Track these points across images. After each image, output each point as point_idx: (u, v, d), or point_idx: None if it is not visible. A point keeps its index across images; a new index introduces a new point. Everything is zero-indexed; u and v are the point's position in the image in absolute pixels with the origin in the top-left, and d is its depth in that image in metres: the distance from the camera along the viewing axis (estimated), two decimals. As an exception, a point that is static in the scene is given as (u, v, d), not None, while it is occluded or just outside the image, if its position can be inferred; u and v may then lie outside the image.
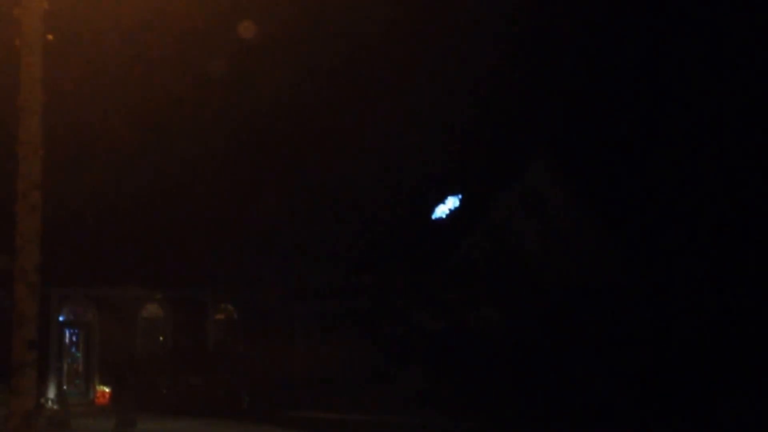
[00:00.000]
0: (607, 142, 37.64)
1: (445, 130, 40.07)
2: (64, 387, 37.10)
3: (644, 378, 29.58)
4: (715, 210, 31.86)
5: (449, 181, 38.53)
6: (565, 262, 33.21)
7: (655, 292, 31.55)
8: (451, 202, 37.23)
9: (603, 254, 35.27)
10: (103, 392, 37.32)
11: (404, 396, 33.00)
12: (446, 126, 40.07)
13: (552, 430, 29.57)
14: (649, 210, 33.76)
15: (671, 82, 37.28)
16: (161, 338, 39.66)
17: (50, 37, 11.94)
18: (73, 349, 38.34)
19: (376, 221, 38.85)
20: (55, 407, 34.30)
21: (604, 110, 38.57)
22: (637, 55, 38.68)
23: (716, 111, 35.17)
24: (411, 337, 33.93)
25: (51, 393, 35.92)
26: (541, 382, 31.31)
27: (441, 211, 37.38)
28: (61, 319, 37.91)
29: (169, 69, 39.55)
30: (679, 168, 34.60)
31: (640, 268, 33.22)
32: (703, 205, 32.15)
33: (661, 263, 31.65)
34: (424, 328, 33.82)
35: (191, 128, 41.88)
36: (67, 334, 38.29)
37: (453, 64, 42.18)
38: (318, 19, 40.44)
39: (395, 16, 40.06)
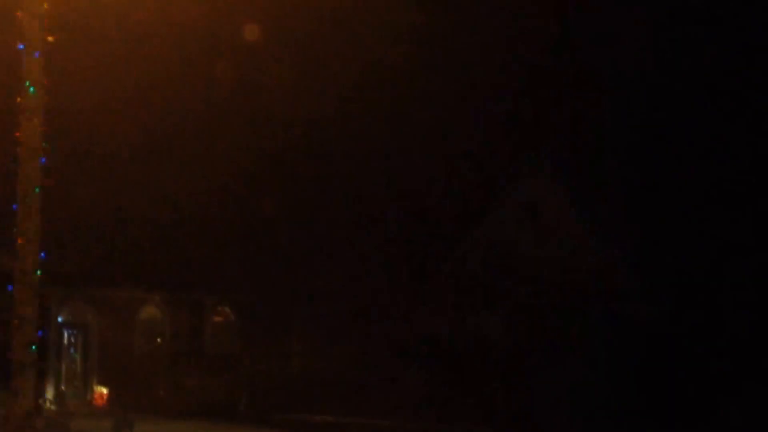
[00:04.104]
0: (604, 148, 37.69)
1: (443, 134, 40.12)
2: (63, 388, 37.08)
3: (642, 379, 29.64)
4: (714, 212, 31.93)
5: (448, 186, 38.58)
6: (561, 266, 33.30)
7: (653, 296, 31.64)
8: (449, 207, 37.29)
9: (600, 258, 35.33)
10: (101, 393, 37.31)
11: (403, 399, 33.03)
12: (445, 130, 40.12)
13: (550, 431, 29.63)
14: (646, 214, 33.84)
15: (669, 84, 37.34)
16: (159, 340, 39.65)
17: (51, 38, 11.97)
18: (72, 350, 38.33)
19: (375, 224, 38.88)
20: (54, 408, 34.30)
21: (602, 115, 38.62)
22: (636, 58, 38.74)
23: (715, 113, 35.23)
24: (410, 340, 33.99)
25: (50, 394, 35.91)
26: (540, 384, 31.37)
27: (439, 214, 37.44)
28: (60, 319, 37.90)
29: (172, 72, 39.58)
30: (677, 171, 34.66)
31: (638, 271, 33.31)
32: (701, 208, 32.22)
33: (659, 266, 31.72)
34: (424, 331, 33.88)
35: (193, 130, 41.90)
36: (66, 335, 38.27)
37: (453, 67, 42.25)
38: (320, 23, 40.51)
39: (396, 20, 40.11)
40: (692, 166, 34.94)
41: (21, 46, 11.81)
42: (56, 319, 37.59)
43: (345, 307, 37.50)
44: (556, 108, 39.53)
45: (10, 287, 11.73)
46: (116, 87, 39.11)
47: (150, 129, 40.61)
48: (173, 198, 40.67)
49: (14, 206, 11.68)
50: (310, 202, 41.60)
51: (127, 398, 36.19)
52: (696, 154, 35.07)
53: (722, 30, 36.79)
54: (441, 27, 41.83)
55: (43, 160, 11.77)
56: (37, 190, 11.63)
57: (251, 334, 40.16)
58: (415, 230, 37.66)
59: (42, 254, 11.67)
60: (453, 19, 41.76)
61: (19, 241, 11.56)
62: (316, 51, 41.59)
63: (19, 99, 11.78)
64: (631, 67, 38.61)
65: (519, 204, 36.39)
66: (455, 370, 33.03)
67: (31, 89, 11.70)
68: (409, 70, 41.59)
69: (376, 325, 36.03)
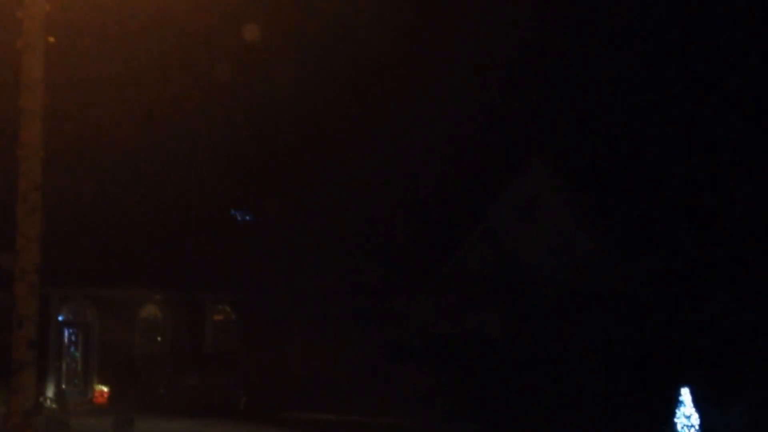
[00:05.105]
0: (603, 146, 37.73)
1: (443, 133, 40.19)
2: (63, 386, 37.16)
3: (640, 379, 29.70)
4: (713, 212, 31.97)
5: (447, 185, 38.65)
6: (561, 265, 33.34)
7: (651, 295, 31.67)
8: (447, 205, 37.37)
9: (599, 257, 35.39)
10: (102, 392, 37.39)
11: (402, 397, 33.11)
12: (444, 129, 40.19)
13: (549, 430, 29.69)
14: (644, 213, 33.87)
15: (668, 83, 37.38)
16: (159, 338, 39.73)
17: (52, 39, 12.01)
18: (72, 349, 38.42)
19: (374, 223, 38.94)
20: (54, 406, 34.38)
21: (601, 113, 38.68)
22: (635, 56, 38.78)
23: (715, 112, 35.27)
24: (409, 339, 34.05)
25: (50, 392, 36.00)
26: (539, 383, 31.43)
27: (439, 213, 37.51)
28: (60, 318, 37.98)
29: (172, 71, 39.66)
30: (676, 170, 34.69)
31: (636, 270, 33.34)
32: (700, 208, 32.25)
33: (657, 265, 31.75)
34: (423, 330, 33.93)
35: (193, 130, 41.99)
36: (66, 334, 38.36)
37: (453, 67, 42.31)
38: (320, 22, 40.57)
39: (396, 19, 40.18)
40: (693, 163, 34.99)
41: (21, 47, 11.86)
42: (57, 318, 37.68)
43: (345, 305, 37.57)
44: (556, 105, 39.60)
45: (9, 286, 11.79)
46: (116, 86, 39.19)
47: (150, 128, 40.70)
48: (174, 197, 40.77)
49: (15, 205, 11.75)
50: (310, 202, 41.68)
51: (127, 397, 36.29)
52: (697, 151, 35.12)
53: (724, 28, 36.85)
54: (441, 24, 41.90)
55: (44, 159, 11.82)
56: (37, 190, 11.68)
57: (251, 332, 40.24)
58: (415, 229, 37.73)
59: (42, 254, 11.73)
60: (454, 16, 41.83)
61: (20, 240, 11.61)
62: (315, 48, 41.67)
63: (19, 99, 11.82)
64: (632, 63, 38.68)
65: (519, 202, 36.44)
66: (455, 369, 33.09)
67: (32, 90, 11.75)
68: (409, 68, 41.66)
69: (375, 324, 36.09)
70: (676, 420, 26.57)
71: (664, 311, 30.70)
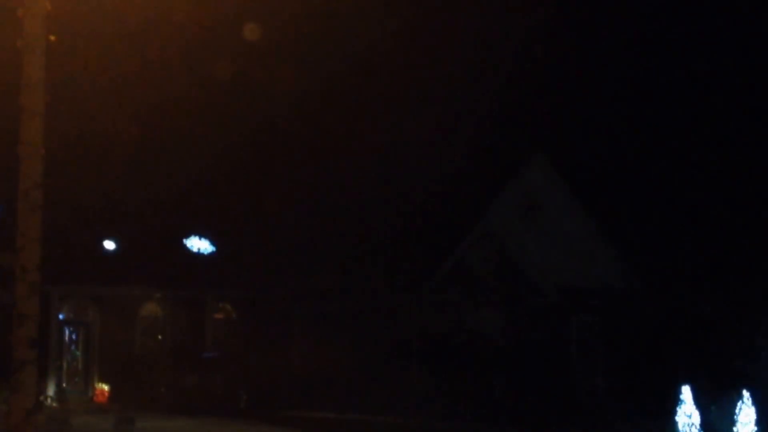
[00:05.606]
0: (604, 144, 37.75)
1: (443, 132, 40.18)
2: (64, 385, 37.19)
3: (640, 378, 29.72)
4: (713, 212, 32.00)
5: (447, 183, 38.64)
6: (561, 264, 33.37)
7: (652, 294, 31.71)
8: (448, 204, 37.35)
9: (599, 257, 35.42)
10: (102, 390, 37.42)
11: (402, 397, 33.11)
12: (445, 128, 40.18)
13: (549, 430, 29.71)
14: (645, 212, 33.90)
15: (669, 82, 37.39)
16: (160, 337, 39.75)
17: (52, 38, 12.01)
18: (73, 348, 38.45)
19: (374, 222, 38.93)
20: (55, 405, 34.41)
21: (601, 112, 38.68)
22: (635, 55, 38.78)
23: (715, 112, 35.30)
24: (409, 339, 34.05)
25: (51, 391, 36.02)
26: (539, 383, 31.45)
27: (439, 212, 37.49)
28: (61, 317, 38.00)
29: (172, 71, 39.67)
30: (676, 170, 34.72)
31: (637, 270, 33.39)
32: (700, 208, 32.28)
33: (658, 265, 31.80)
34: (423, 330, 33.94)
35: (194, 129, 42.00)
36: (67, 333, 38.39)
37: (453, 67, 42.30)
38: (320, 21, 40.57)
39: (397, 19, 40.19)
40: (694, 162, 35.01)
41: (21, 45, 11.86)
42: (57, 316, 37.70)
43: (345, 305, 37.55)
44: (557, 104, 39.61)
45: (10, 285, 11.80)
46: (117, 85, 39.20)
47: (150, 127, 40.73)
48: (174, 195, 40.76)
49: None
50: (310, 200, 41.68)
51: (128, 395, 36.31)
52: (697, 150, 35.14)
53: (725, 28, 36.85)
54: (442, 22, 41.91)
55: (44, 158, 11.82)
56: (38, 188, 11.68)
57: (252, 331, 40.24)
58: (416, 228, 37.71)
59: (43, 252, 11.73)
60: (453, 13, 41.84)
61: (20, 239, 11.60)
62: (315, 48, 41.68)
63: (20, 98, 11.82)
64: (632, 61, 38.68)
65: (519, 201, 36.46)
66: (455, 368, 33.11)
67: (33, 89, 11.76)
68: (409, 66, 41.67)
69: (375, 324, 36.08)
70: (677, 419, 26.60)
71: (664, 311, 30.73)
